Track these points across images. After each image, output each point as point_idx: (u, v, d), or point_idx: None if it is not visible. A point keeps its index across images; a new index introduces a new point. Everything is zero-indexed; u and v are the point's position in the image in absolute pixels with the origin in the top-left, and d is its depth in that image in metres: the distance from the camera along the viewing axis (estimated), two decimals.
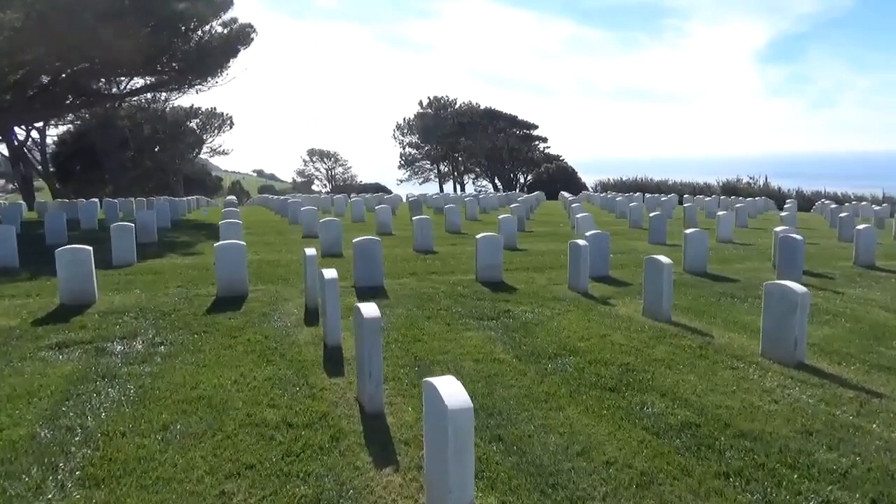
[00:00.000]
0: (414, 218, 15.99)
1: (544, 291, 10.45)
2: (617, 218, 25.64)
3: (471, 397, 3.42)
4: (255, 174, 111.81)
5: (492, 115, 67.91)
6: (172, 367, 6.55)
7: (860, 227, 14.32)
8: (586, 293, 10.32)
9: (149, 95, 38.70)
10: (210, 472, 4.33)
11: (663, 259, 8.72)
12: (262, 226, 22.20)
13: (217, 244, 10.26)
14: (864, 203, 31.73)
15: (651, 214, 18.27)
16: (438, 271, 12.24)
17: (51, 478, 4.27)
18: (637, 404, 5.58)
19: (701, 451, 4.68)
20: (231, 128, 55.39)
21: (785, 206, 28.19)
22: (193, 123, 53.51)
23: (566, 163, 61.82)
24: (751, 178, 46.21)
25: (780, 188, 43.96)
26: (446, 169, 72.29)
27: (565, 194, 38.49)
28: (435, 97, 70.26)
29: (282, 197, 36.30)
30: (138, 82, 32.33)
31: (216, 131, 54.87)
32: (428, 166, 72.33)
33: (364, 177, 79.97)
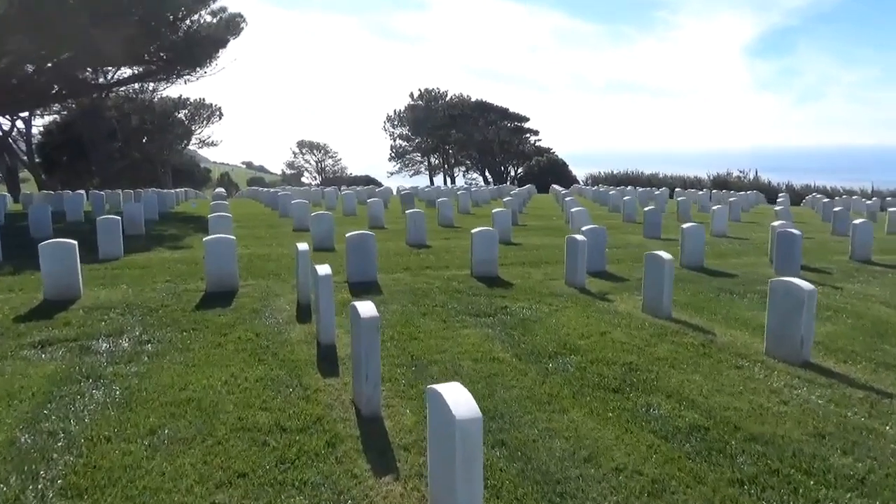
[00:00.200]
0: (407, 211, 15.76)
1: (541, 287, 10.26)
2: (610, 212, 25.50)
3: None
4: (244, 166, 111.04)
5: (483, 108, 67.65)
6: (160, 366, 6.31)
7: (857, 221, 14.22)
8: (583, 289, 10.14)
9: (136, 86, 38.11)
10: (200, 481, 4.11)
11: (664, 255, 8.55)
12: (252, 219, 21.88)
13: (206, 238, 10.00)
14: (855, 197, 31.77)
15: (646, 209, 18.13)
16: (433, 266, 12.03)
17: (31, 487, 4.04)
18: (643, 406, 5.41)
19: (712, 455, 4.51)
20: (220, 119, 54.94)
21: (778, 199, 28.16)
22: (182, 114, 52.97)
23: (556, 155, 61.72)
24: (741, 171, 46.33)
25: (769, 182, 44.05)
26: (437, 161, 72.00)
27: (557, 187, 38.37)
28: (426, 89, 69.97)
29: (272, 189, 35.93)
30: (126, 72, 31.82)
31: (205, 122, 54.37)
32: (418, 158, 72.05)
33: (354, 169, 79.66)
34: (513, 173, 65.70)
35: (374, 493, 4.00)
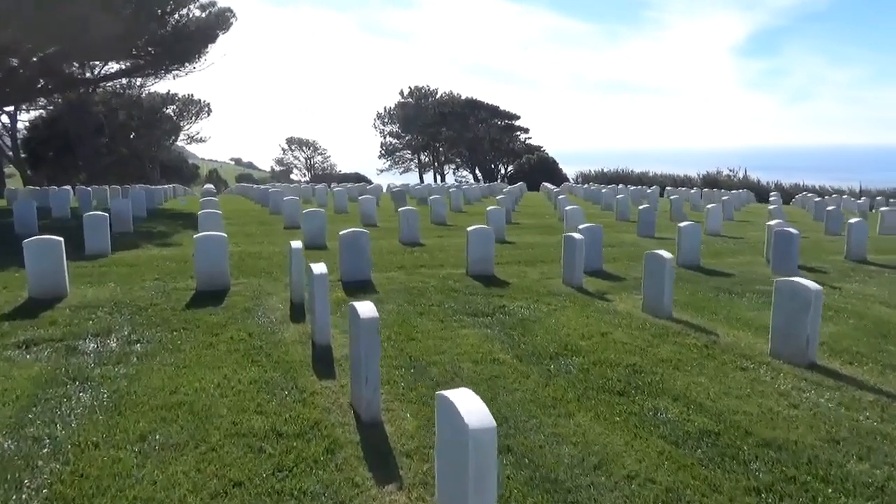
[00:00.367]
0: (400, 209, 15.57)
1: (538, 286, 10.11)
2: (602, 210, 25.39)
3: None
4: (233, 162, 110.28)
5: (473, 106, 67.48)
6: (150, 368, 6.09)
7: (852, 221, 14.18)
8: (581, 288, 10.00)
9: (124, 81, 37.60)
10: (193, 491, 3.91)
11: (664, 254, 8.41)
12: (242, 216, 21.60)
13: (197, 235, 9.77)
14: (845, 196, 31.87)
15: (640, 207, 18.03)
16: (427, 264, 11.85)
17: (14, 497, 3.83)
18: (650, 410, 5.25)
19: (725, 462, 4.36)
20: (209, 115, 54.40)
21: (771, 198, 28.19)
22: (170, 110, 52.42)
23: (547, 153, 61.65)
24: (730, 170, 46.44)
25: (759, 181, 44.17)
26: (427, 159, 71.76)
27: (548, 185, 38.28)
28: (416, 87, 69.72)
29: (262, 186, 35.58)
30: (113, 67, 31.37)
31: (193, 118, 53.83)
32: (408, 156, 71.78)
33: (343, 166, 79.30)
34: (503, 171, 65.58)
35: None
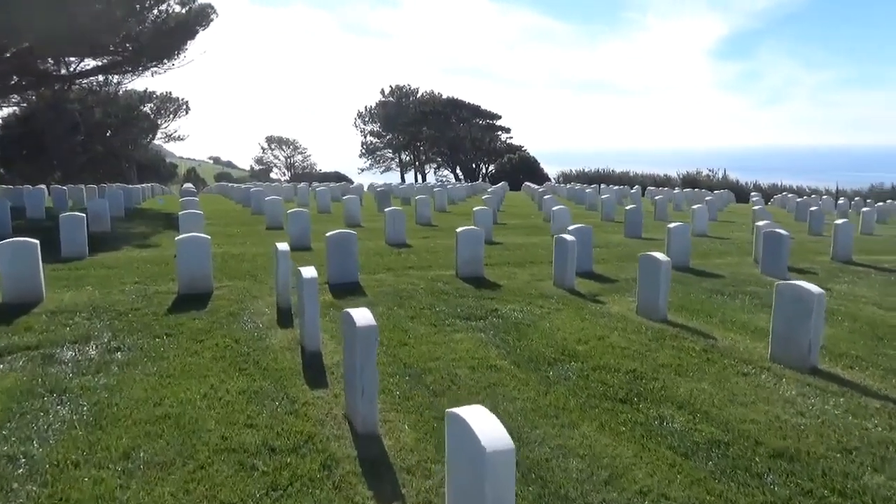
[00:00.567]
0: (386, 210, 15.31)
1: (529, 288, 9.94)
2: (587, 210, 25.34)
3: None
4: (212, 161, 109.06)
5: (454, 105, 67.32)
6: (132, 378, 5.81)
7: (839, 222, 14.19)
8: (573, 290, 9.84)
9: (100, 77, 36.77)
10: None
11: (660, 256, 8.28)
12: (223, 216, 21.17)
13: (179, 237, 9.45)
14: (825, 197, 32.18)
15: (627, 208, 17.94)
16: (415, 266, 11.62)
17: None
18: (655, 418, 5.09)
19: (738, 475, 4.21)
20: (187, 113, 53.51)
21: (753, 199, 28.33)
22: (148, 108, 51.51)
23: (528, 153, 61.65)
24: (710, 170, 46.79)
25: (737, 181, 44.53)
26: (408, 158, 71.44)
27: (531, 185, 38.22)
28: (397, 86, 69.39)
29: (243, 185, 35.07)
30: (89, 63, 30.60)
31: (171, 116, 52.95)
32: (389, 155, 71.41)
33: (324, 165, 78.70)
34: (484, 171, 65.49)
35: None
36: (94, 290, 9.24)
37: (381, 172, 70.80)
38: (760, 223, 13.63)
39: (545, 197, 22.56)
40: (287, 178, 71.13)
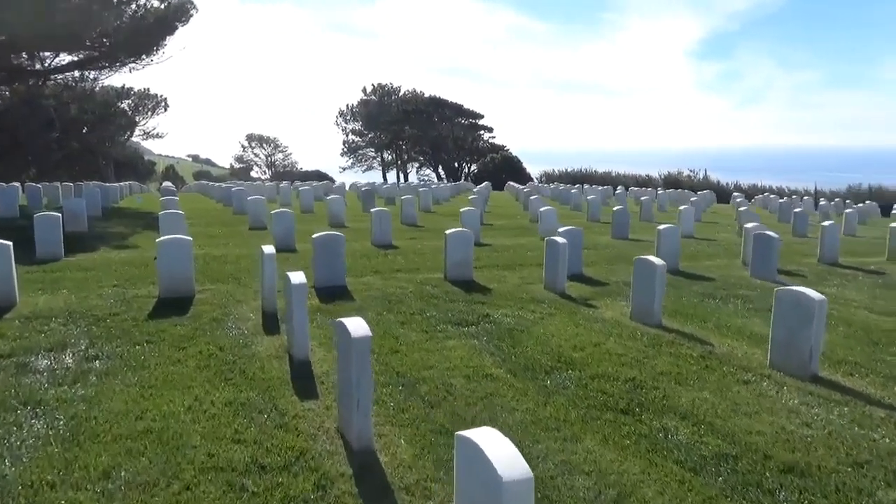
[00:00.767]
0: (372, 210, 15.06)
1: (519, 291, 9.76)
2: (572, 210, 25.26)
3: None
4: (190, 159, 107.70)
5: (437, 104, 67.02)
6: (111, 388, 5.53)
7: (825, 223, 14.20)
8: (564, 293, 9.68)
9: (76, 73, 36.01)
10: None
11: (656, 260, 8.14)
12: (204, 215, 20.74)
13: (160, 239, 9.14)
14: (805, 197, 32.40)
15: (614, 209, 17.85)
16: (403, 268, 11.39)
17: None
18: (659, 430, 4.93)
19: (749, 491, 4.06)
20: (165, 110, 52.61)
21: (737, 200, 28.42)
22: (125, 104, 50.62)
23: (511, 153, 61.58)
24: (691, 170, 47.00)
25: (719, 181, 44.76)
26: (390, 157, 71.05)
27: (514, 185, 38.11)
28: (379, 84, 68.95)
29: (224, 184, 34.53)
30: (65, 58, 29.93)
31: (150, 113, 52.04)
32: (371, 154, 70.96)
33: (305, 164, 77.98)
34: (467, 170, 65.32)
35: None
36: (70, 294, 8.89)
37: (363, 171, 70.38)
38: (749, 225, 13.59)
39: (532, 198, 22.40)
40: (268, 176, 70.43)
